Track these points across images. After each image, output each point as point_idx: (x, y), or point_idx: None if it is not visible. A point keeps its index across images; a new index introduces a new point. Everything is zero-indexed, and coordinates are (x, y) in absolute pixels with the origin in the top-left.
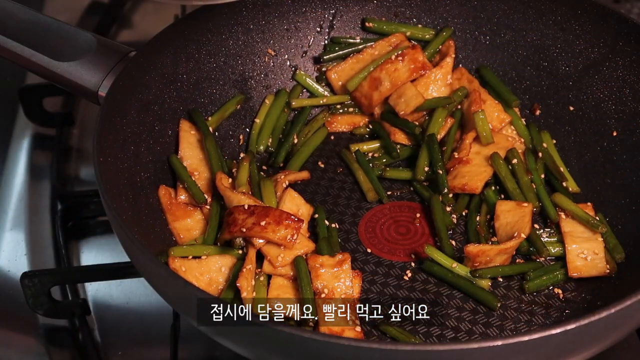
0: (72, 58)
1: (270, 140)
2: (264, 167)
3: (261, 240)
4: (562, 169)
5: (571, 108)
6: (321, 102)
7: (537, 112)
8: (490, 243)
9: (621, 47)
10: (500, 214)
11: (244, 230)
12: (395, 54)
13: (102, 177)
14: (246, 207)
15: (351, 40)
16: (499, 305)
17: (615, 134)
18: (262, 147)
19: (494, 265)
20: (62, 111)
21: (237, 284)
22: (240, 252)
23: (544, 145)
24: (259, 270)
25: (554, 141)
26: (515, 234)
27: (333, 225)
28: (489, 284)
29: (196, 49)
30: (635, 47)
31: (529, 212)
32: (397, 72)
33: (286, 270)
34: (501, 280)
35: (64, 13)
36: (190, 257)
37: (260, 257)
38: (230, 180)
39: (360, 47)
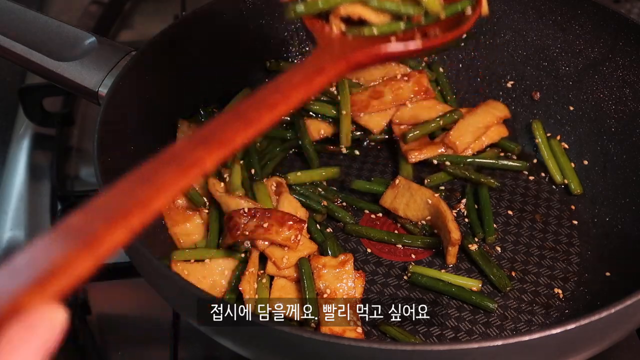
0: (72, 58)
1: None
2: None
3: (265, 242)
4: (568, 169)
5: (571, 108)
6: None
7: (537, 97)
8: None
9: (621, 47)
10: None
11: (247, 233)
12: (401, 74)
13: (102, 177)
14: (246, 210)
15: None
16: (496, 306)
17: (615, 134)
18: None
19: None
20: (62, 111)
21: (240, 288)
22: (243, 255)
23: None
24: (262, 272)
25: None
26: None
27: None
28: (480, 285)
29: (196, 49)
30: (635, 47)
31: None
32: (400, 90)
33: (290, 272)
34: None
35: (64, 13)
36: (193, 260)
37: (263, 259)
38: (222, 184)
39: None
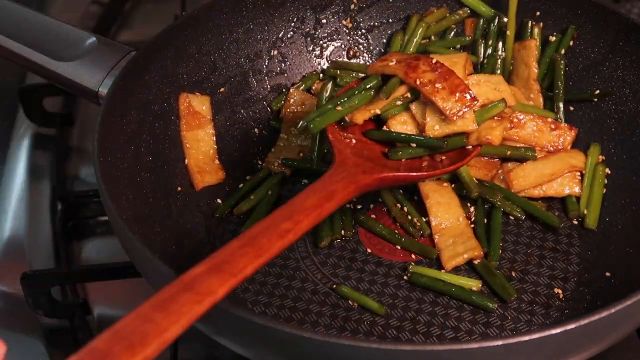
0: (72, 58)
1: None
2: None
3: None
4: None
5: (571, 108)
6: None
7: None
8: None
9: (621, 47)
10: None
11: (418, 82)
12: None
13: (102, 177)
14: (434, 61)
15: None
16: (496, 306)
17: (615, 134)
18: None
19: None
20: (62, 111)
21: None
22: None
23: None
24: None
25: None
26: None
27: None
28: (480, 285)
29: (196, 49)
30: (635, 47)
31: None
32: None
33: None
34: None
35: (64, 13)
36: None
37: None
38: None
39: None
